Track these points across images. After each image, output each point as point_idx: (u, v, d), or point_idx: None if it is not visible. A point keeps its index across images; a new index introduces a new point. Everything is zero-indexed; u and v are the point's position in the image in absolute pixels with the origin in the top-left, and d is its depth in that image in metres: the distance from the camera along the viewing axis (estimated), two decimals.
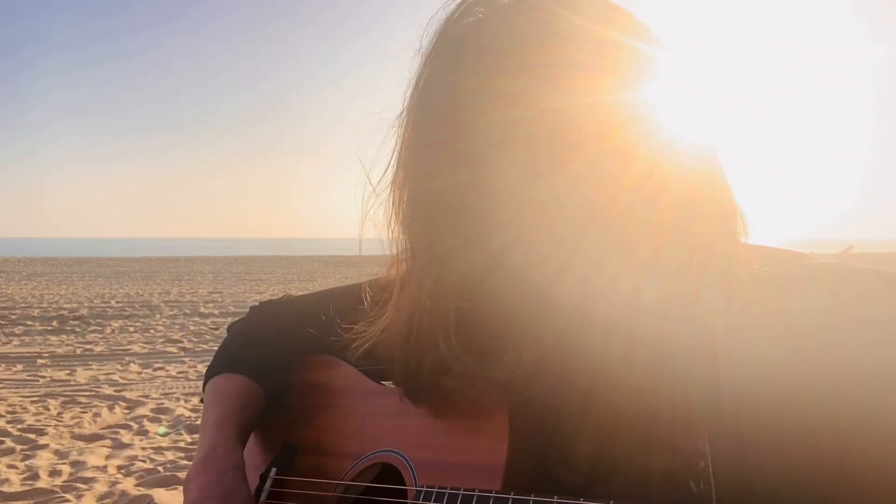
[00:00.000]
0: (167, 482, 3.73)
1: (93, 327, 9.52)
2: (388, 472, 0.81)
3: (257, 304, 1.06)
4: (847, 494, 0.57)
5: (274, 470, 0.89)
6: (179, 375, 6.47)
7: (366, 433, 0.85)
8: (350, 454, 0.85)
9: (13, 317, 10.48)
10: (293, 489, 0.88)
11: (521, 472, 0.68)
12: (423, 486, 0.71)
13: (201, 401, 0.97)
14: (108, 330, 9.27)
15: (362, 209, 0.75)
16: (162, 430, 4.63)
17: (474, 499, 0.66)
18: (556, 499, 0.62)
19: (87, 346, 8.00)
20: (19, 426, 4.78)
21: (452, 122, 0.65)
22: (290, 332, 0.99)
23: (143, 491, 3.63)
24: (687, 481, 0.62)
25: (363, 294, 0.85)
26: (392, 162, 0.71)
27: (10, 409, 5.24)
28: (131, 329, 9.32)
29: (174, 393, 5.78)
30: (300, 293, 1.10)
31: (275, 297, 1.08)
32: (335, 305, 0.94)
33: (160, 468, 3.97)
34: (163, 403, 5.40)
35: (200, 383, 1.02)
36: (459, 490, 0.68)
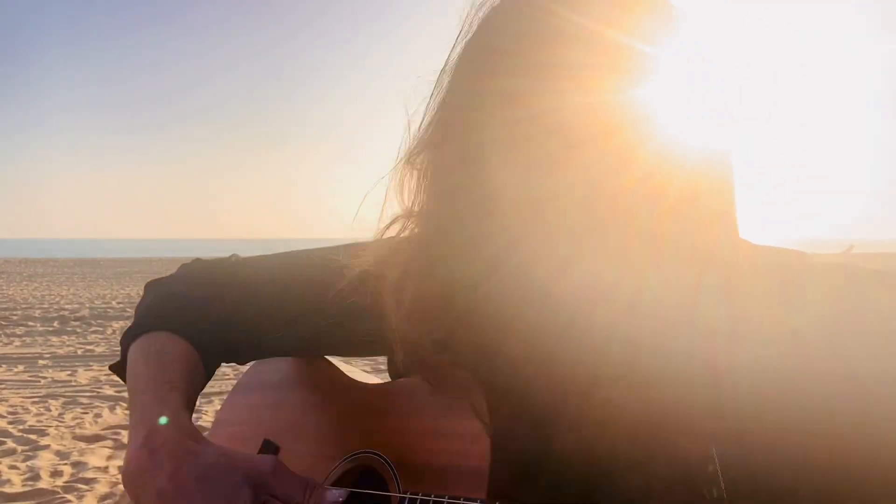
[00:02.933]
0: None
1: (94, 328, 9.51)
2: (371, 475, 0.79)
3: (194, 261, 0.88)
4: (850, 495, 0.56)
5: None
6: None
7: (348, 432, 0.83)
8: (332, 454, 0.83)
9: (14, 318, 10.48)
10: None
11: (506, 477, 0.66)
12: (406, 493, 0.70)
13: (114, 370, 0.79)
14: (110, 331, 9.26)
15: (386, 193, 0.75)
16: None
17: None
18: None
19: (89, 347, 8.00)
20: (20, 427, 4.78)
21: (458, 122, 0.67)
22: (245, 301, 0.81)
23: None
24: (700, 488, 0.61)
25: (334, 272, 0.78)
26: (413, 157, 0.73)
27: (11, 409, 5.24)
28: None
29: None
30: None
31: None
32: (300, 274, 0.83)
33: None
34: None
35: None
36: (444, 498, 0.66)
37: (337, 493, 0.68)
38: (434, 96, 0.70)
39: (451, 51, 0.69)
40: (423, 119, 0.71)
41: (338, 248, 0.83)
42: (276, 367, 0.96)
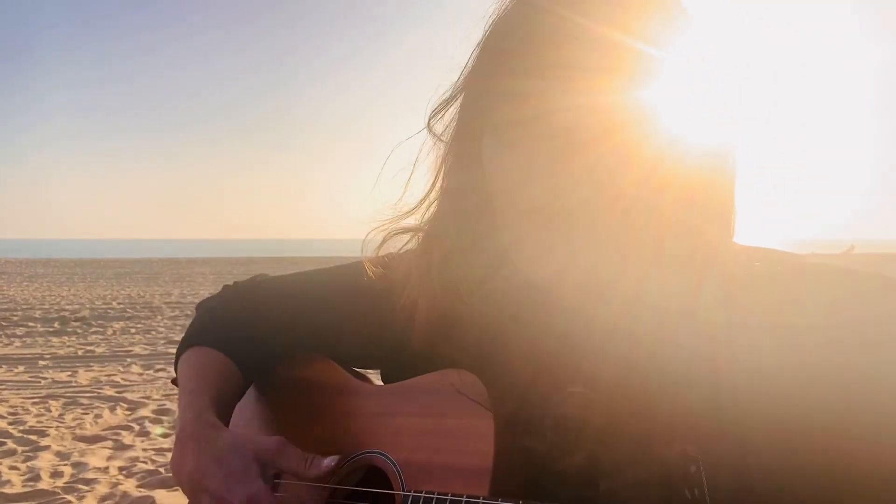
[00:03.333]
0: (169, 483, 3.73)
1: (94, 329, 9.52)
2: (375, 474, 0.80)
3: (232, 283, 1.01)
4: (847, 495, 0.57)
5: None
6: None
7: (352, 433, 0.84)
8: (337, 454, 0.84)
9: (15, 318, 10.49)
10: (280, 491, 0.87)
11: (509, 475, 0.67)
12: (410, 491, 0.71)
13: (174, 382, 0.93)
14: (110, 331, 9.27)
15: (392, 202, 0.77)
16: (160, 429, 4.63)
17: None
18: None
19: (89, 348, 8.00)
20: (21, 427, 4.78)
21: (465, 122, 0.69)
22: (269, 316, 0.93)
23: (144, 492, 3.63)
24: (681, 488, 0.61)
25: (366, 272, 0.83)
26: (435, 161, 0.74)
27: (11, 410, 5.24)
28: (133, 330, 9.32)
29: (176, 394, 5.76)
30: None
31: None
32: (329, 286, 0.91)
33: (161, 469, 3.97)
34: (164, 405, 5.40)
35: None
36: (447, 496, 0.67)
37: (329, 460, 0.79)
38: (448, 97, 0.72)
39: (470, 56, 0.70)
40: (440, 119, 0.73)
41: (353, 264, 0.87)
42: (281, 369, 0.97)
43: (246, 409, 0.98)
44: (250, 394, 0.99)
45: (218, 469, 0.75)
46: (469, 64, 0.69)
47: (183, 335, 0.95)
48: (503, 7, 0.67)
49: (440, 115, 0.72)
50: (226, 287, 1.01)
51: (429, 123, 0.73)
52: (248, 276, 1.04)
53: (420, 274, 0.74)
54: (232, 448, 0.77)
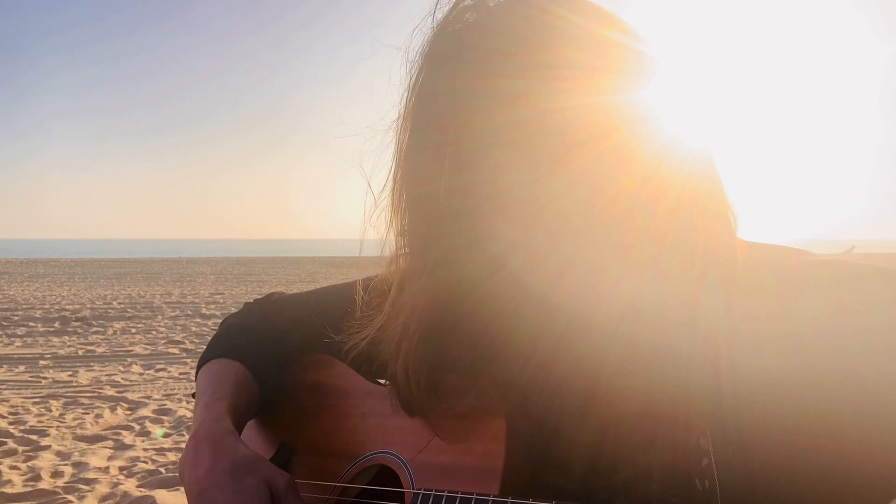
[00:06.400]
0: (169, 483, 3.73)
1: (95, 328, 9.51)
2: (385, 474, 0.80)
3: (252, 301, 1.05)
4: (847, 497, 0.57)
5: None
6: (181, 376, 6.47)
7: (362, 434, 0.84)
8: (347, 455, 0.85)
9: (15, 318, 10.49)
10: None
11: (519, 474, 0.67)
12: (420, 490, 0.71)
13: (193, 395, 0.94)
14: (110, 331, 9.27)
15: (365, 212, 0.76)
16: (161, 431, 4.63)
17: (472, 502, 0.65)
18: (554, 503, 0.61)
19: (89, 348, 8.00)
20: (21, 427, 4.78)
21: (451, 124, 0.65)
22: (285, 332, 0.97)
23: (145, 492, 3.63)
24: (692, 479, 0.62)
25: (356, 294, 0.85)
26: (391, 166, 0.72)
27: (12, 410, 5.24)
28: (133, 330, 9.32)
29: (176, 394, 5.79)
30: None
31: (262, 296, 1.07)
32: (331, 304, 0.93)
33: (162, 469, 3.97)
34: (165, 404, 5.40)
35: None
36: (457, 494, 0.67)
37: None
38: (414, 99, 0.68)
39: (428, 52, 0.67)
40: (404, 125, 0.69)
41: (358, 281, 0.88)
42: (292, 372, 0.97)
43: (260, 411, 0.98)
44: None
45: (231, 483, 0.73)
46: (448, 64, 0.65)
47: (206, 347, 0.98)
48: (491, 6, 0.65)
49: (406, 120, 0.69)
50: (247, 304, 1.04)
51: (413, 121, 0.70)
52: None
53: (418, 277, 0.73)
54: (248, 465, 0.75)
